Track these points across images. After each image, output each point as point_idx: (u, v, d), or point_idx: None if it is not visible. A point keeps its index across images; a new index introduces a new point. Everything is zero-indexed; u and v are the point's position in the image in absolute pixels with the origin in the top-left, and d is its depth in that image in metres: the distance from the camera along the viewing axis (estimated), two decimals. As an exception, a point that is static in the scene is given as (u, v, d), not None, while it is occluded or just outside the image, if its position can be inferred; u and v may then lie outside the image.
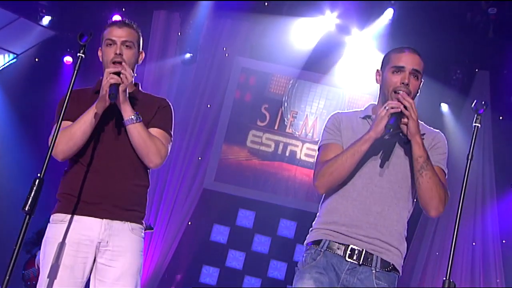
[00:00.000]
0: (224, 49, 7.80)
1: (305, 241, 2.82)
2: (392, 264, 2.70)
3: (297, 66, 7.64)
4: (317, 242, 2.74)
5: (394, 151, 2.75)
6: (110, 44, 2.99)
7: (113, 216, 2.90)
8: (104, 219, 2.89)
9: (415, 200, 2.80)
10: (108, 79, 2.83)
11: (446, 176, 2.82)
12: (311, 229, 2.83)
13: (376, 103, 2.88)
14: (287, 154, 7.76)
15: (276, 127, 7.81)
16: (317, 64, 7.51)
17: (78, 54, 2.69)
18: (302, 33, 7.41)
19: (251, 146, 7.82)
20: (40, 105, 7.27)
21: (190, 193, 7.53)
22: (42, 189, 2.53)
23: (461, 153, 3.05)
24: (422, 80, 2.80)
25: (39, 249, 5.98)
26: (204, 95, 7.70)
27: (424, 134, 2.77)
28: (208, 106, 7.71)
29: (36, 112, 7.30)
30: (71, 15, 7.38)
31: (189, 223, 7.55)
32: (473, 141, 2.72)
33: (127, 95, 2.92)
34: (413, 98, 2.72)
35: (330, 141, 2.82)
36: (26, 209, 2.49)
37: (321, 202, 2.86)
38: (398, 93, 2.68)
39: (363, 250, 2.67)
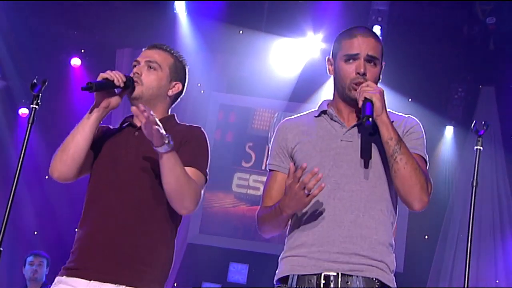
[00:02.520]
0: (199, 85, 7.82)
1: (275, 277, 2.61)
2: (378, 280, 2.45)
3: (281, 97, 7.68)
4: (284, 280, 2.53)
5: (359, 146, 2.55)
6: (135, 66, 2.81)
7: (103, 277, 2.54)
8: (91, 281, 2.54)
9: (397, 199, 2.58)
10: (102, 74, 2.61)
11: (428, 165, 2.62)
12: (279, 258, 2.61)
13: (331, 98, 2.72)
14: (278, 197, 7.72)
15: (263, 167, 7.79)
16: (303, 94, 7.52)
17: (32, 105, 2.65)
18: (284, 60, 7.45)
19: (237, 190, 7.79)
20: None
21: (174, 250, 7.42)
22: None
23: (470, 180, 3.03)
24: (383, 64, 2.66)
25: None
26: (180, 138, 7.67)
27: (393, 121, 2.57)
28: (186, 149, 7.69)
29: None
30: (24, 61, 7.36)
31: (175, 284, 7.45)
32: (476, 166, 2.73)
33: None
34: None
35: (273, 167, 2.68)
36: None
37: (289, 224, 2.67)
38: (356, 85, 2.53)
39: (338, 274, 2.43)
